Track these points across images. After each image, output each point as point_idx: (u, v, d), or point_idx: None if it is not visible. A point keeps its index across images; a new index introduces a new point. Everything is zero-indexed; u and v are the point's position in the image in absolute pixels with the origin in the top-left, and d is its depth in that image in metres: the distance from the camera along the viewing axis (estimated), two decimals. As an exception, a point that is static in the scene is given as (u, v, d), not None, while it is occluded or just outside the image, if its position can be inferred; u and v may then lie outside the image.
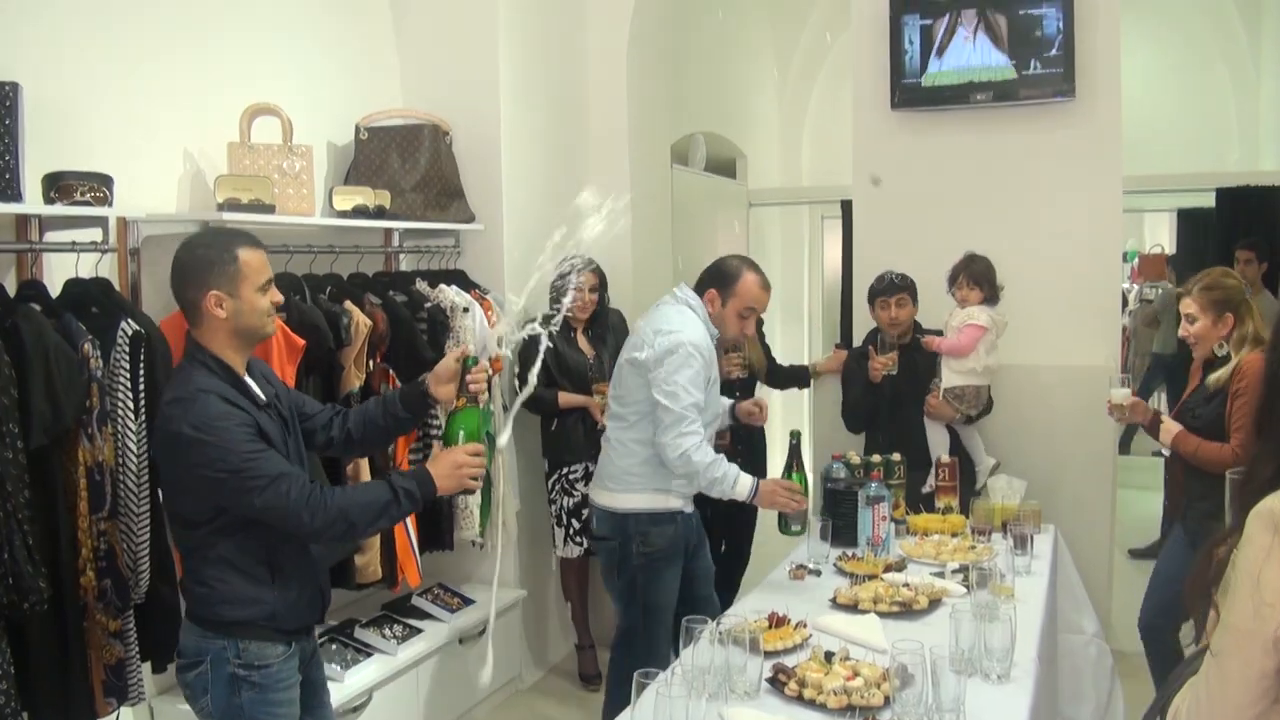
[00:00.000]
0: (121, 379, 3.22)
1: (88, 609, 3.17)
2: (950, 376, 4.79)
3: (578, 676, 5.37)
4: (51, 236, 3.41)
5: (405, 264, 5.03)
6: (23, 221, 3.33)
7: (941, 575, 3.65)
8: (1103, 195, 5.22)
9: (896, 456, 4.35)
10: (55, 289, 3.33)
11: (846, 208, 7.41)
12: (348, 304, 4.16)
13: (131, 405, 3.23)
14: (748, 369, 5.23)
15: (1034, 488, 4.54)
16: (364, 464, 4.17)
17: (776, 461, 5.42)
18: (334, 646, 4.27)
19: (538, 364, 3.23)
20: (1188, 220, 9.26)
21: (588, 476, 4.89)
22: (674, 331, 3.73)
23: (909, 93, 5.39)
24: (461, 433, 2.89)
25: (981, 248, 4.91)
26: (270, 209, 3.85)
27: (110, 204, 3.38)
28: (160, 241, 3.66)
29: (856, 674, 2.69)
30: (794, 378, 5.62)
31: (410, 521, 4.37)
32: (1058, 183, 5.24)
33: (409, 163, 4.75)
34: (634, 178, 5.90)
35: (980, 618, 2.80)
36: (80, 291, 3.32)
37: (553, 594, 5.55)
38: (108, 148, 3.56)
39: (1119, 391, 4.14)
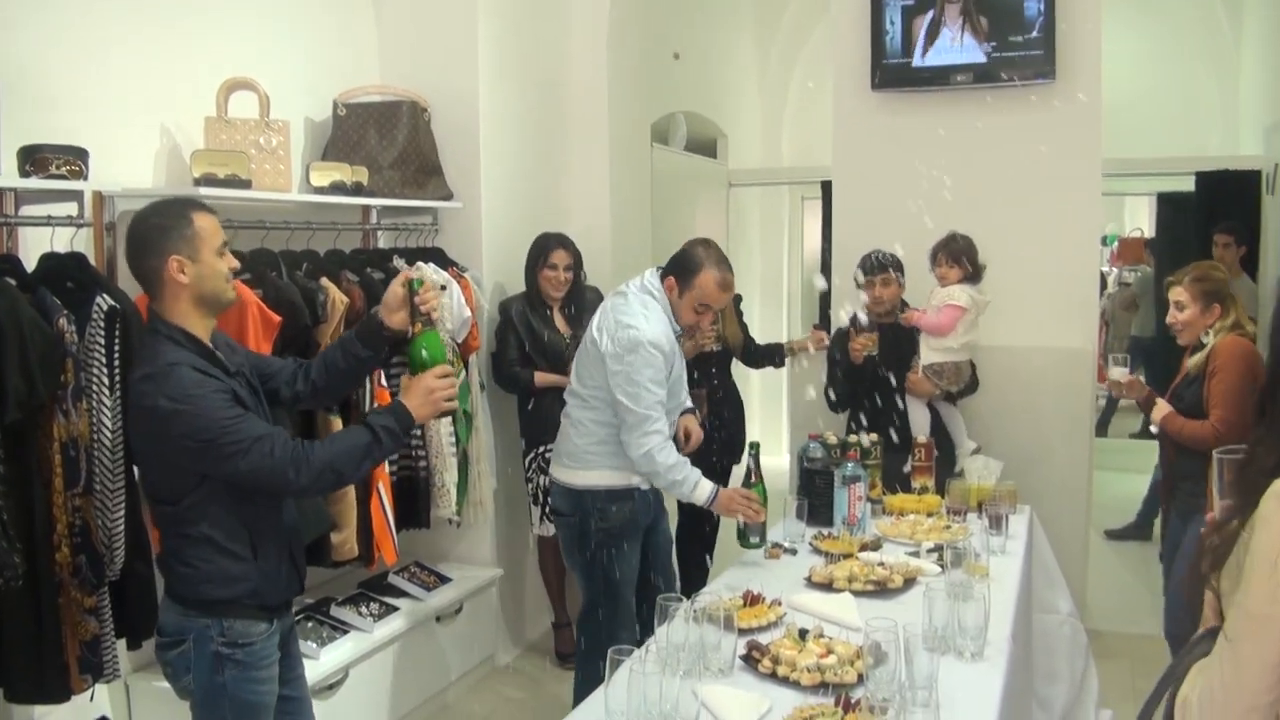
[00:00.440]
0: (97, 354, 3.20)
1: (63, 585, 3.16)
2: (929, 353, 4.80)
3: (554, 654, 5.38)
4: (27, 210, 3.38)
5: (383, 241, 5.01)
6: (-3, 195, 3.30)
7: (917, 555, 3.66)
8: (1082, 177, 5.24)
9: (873, 437, 4.36)
10: (30, 264, 3.30)
11: (827, 188, 7.42)
12: (324, 281, 4.14)
13: (107, 380, 3.21)
14: (721, 341, 5.24)
15: (1011, 468, 4.56)
16: (336, 420, 4.17)
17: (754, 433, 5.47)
18: (310, 624, 4.26)
19: None
20: (1167, 204, 9.29)
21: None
22: (634, 327, 3.72)
23: (890, 73, 5.39)
24: (425, 354, 2.86)
25: (961, 228, 4.91)
26: (247, 184, 3.82)
27: (86, 178, 3.36)
28: (136, 216, 3.63)
29: (830, 651, 2.71)
30: (769, 356, 5.64)
31: (387, 499, 4.36)
32: (1037, 165, 5.24)
33: (387, 139, 4.73)
34: (613, 156, 5.90)
35: (954, 596, 2.81)
36: (55, 266, 3.30)
37: (529, 572, 5.56)
38: (84, 122, 3.53)
39: (1117, 370, 4.36)
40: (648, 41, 6.31)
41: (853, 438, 4.32)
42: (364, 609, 4.46)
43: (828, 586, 3.34)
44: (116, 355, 3.24)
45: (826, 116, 5.75)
